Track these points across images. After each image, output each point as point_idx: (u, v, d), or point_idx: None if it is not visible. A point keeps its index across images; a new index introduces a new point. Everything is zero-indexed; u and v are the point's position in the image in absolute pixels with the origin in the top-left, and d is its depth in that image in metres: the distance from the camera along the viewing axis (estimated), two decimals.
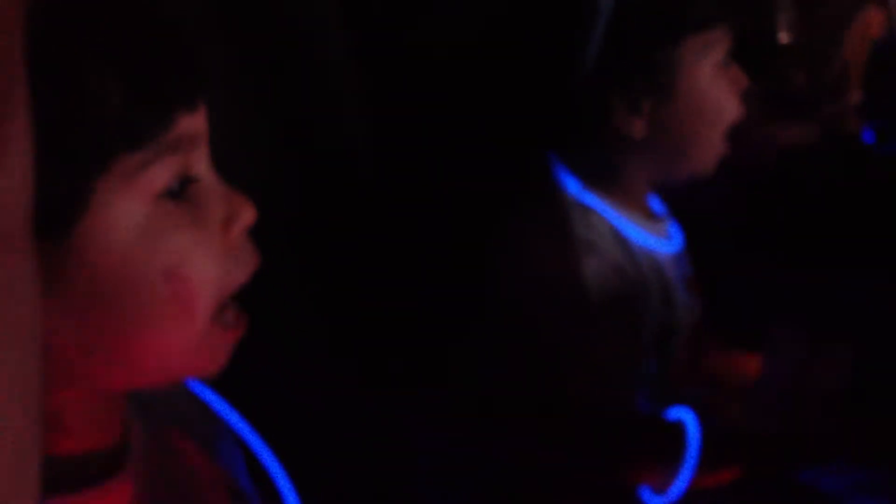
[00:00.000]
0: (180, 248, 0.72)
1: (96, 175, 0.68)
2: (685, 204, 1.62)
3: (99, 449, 0.76)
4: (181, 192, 0.72)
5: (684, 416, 1.42)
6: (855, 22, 1.69)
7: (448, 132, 1.57)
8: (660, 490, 1.41)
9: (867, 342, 1.54)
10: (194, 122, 0.73)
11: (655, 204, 1.60)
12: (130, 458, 0.78)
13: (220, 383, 0.86)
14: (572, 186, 1.50)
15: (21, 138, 0.49)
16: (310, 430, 1.31)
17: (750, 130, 1.56)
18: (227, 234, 0.75)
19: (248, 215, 0.76)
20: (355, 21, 1.54)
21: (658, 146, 1.48)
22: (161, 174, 0.71)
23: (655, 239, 1.55)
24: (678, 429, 1.41)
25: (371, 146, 1.58)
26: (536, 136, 1.52)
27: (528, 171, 1.52)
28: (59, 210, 0.67)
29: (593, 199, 1.50)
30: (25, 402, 0.51)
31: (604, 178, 1.50)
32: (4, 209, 0.49)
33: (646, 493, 1.43)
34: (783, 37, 1.66)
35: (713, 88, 1.47)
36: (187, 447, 0.84)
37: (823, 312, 1.62)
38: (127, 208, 0.70)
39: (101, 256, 0.69)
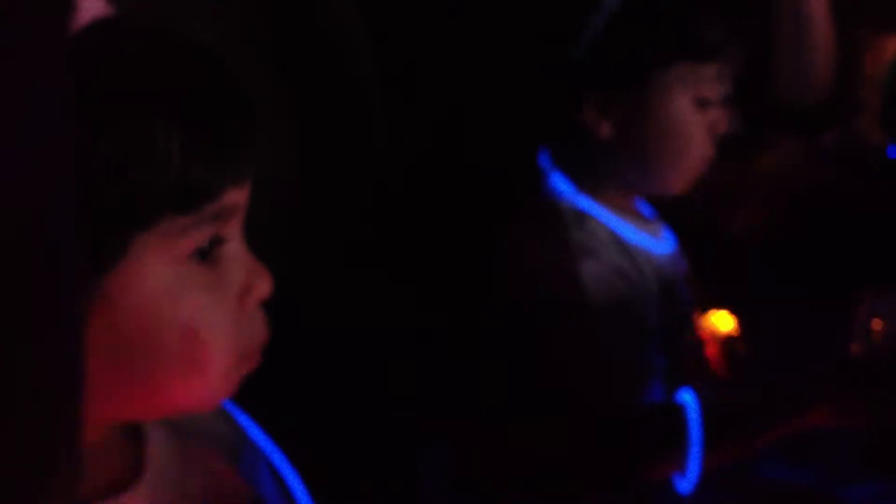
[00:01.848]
0: (201, 309, 0.74)
1: (139, 231, 0.71)
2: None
3: (105, 468, 0.77)
4: (209, 253, 0.74)
5: (686, 398, 1.41)
6: (875, 44, 1.70)
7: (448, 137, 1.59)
8: (678, 474, 1.41)
9: None
10: (239, 196, 0.75)
11: (645, 208, 1.60)
12: (147, 470, 0.79)
13: (241, 395, 0.87)
14: (566, 189, 1.51)
15: (68, 162, 0.51)
16: (325, 439, 1.32)
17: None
18: (243, 302, 0.76)
19: (265, 287, 0.78)
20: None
21: (626, 155, 1.49)
22: (198, 238, 0.73)
23: (650, 239, 1.56)
24: (681, 412, 1.40)
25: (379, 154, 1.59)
26: (529, 132, 1.54)
27: (522, 178, 1.54)
28: (97, 255, 0.70)
29: (588, 202, 1.51)
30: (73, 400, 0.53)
31: (593, 180, 1.51)
32: (55, 229, 0.51)
33: (675, 481, 1.43)
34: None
35: (685, 122, 1.47)
36: (210, 458, 0.84)
37: None
38: (159, 265, 0.72)
39: (126, 306, 0.71)
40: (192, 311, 0.73)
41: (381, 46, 1.49)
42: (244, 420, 0.89)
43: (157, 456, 0.80)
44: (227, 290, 0.75)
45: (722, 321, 1.64)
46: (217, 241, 0.75)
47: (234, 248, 0.76)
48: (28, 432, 0.50)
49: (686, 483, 1.41)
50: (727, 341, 1.62)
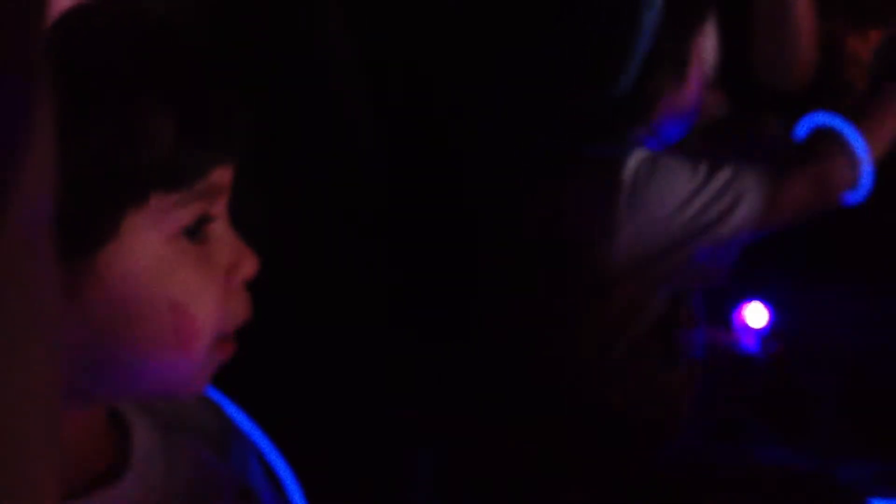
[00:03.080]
0: (188, 285, 0.75)
1: (130, 207, 0.72)
2: None
3: (92, 461, 0.78)
4: (197, 231, 0.76)
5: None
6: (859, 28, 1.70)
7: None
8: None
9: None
10: (226, 174, 0.77)
11: None
12: (134, 463, 0.79)
13: (229, 384, 0.88)
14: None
15: (46, 150, 0.51)
16: (318, 431, 1.32)
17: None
18: (229, 280, 0.78)
19: (250, 267, 0.79)
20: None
21: None
22: (186, 216, 0.74)
23: None
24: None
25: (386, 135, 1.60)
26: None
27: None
28: (89, 233, 0.71)
29: None
30: (46, 402, 0.53)
31: None
32: (28, 217, 0.51)
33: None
34: None
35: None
36: (197, 450, 0.85)
37: None
38: (149, 241, 0.73)
39: (117, 281, 0.73)
40: (181, 286, 0.75)
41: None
42: (233, 411, 0.90)
43: (143, 448, 0.81)
44: (215, 267, 0.77)
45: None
46: (205, 220, 0.76)
47: (221, 226, 0.78)
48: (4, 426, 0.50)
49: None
50: None
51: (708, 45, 1.55)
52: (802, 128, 1.59)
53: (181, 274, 0.75)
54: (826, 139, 1.55)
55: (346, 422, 1.41)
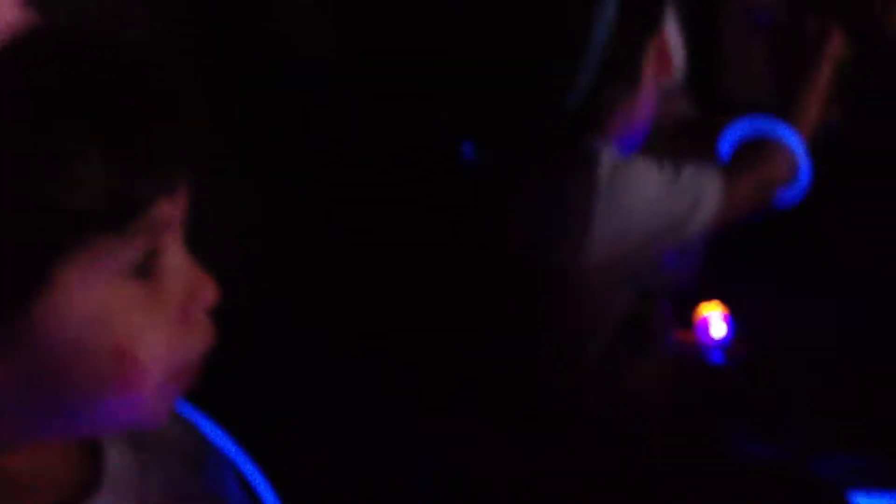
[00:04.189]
0: (133, 328, 0.70)
1: (61, 255, 0.66)
2: None
3: (63, 482, 0.76)
4: (144, 267, 0.70)
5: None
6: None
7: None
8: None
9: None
10: (173, 206, 0.71)
11: None
12: (105, 482, 0.77)
13: (203, 397, 0.86)
14: None
15: None
16: (294, 441, 1.30)
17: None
18: (185, 312, 0.73)
19: (208, 296, 0.74)
20: None
21: None
22: (127, 256, 0.69)
23: None
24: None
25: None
26: None
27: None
28: (17, 285, 0.66)
29: None
30: None
31: None
32: None
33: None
34: None
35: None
36: (170, 467, 0.83)
37: None
38: (87, 288, 0.68)
39: (55, 332, 0.67)
40: (126, 330, 0.69)
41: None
42: (208, 427, 0.88)
43: (115, 467, 0.78)
44: (165, 303, 0.72)
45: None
46: (152, 255, 0.71)
47: (173, 259, 0.72)
48: None
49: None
50: None
51: (668, 52, 1.56)
52: (738, 131, 1.65)
53: (125, 316, 0.69)
54: (766, 140, 1.62)
55: (327, 432, 1.39)
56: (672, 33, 1.57)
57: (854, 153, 1.72)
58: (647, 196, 1.52)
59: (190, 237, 0.76)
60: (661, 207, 1.52)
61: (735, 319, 1.75)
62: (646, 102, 1.56)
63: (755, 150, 1.63)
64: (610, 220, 1.49)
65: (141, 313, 0.70)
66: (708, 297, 1.75)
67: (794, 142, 1.61)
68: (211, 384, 0.79)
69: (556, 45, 1.49)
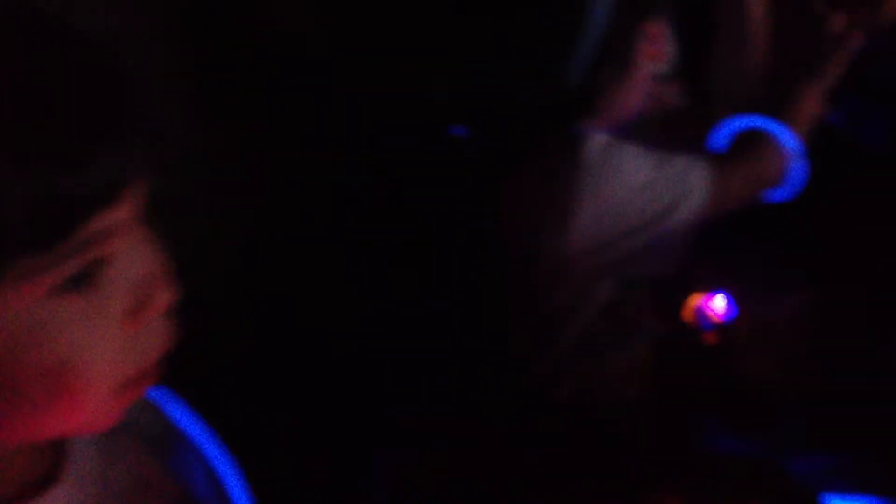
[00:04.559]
0: (74, 342, 0.66)
1: None
2: None
3: (24, 470, 0.74)
4: (87, 277, 0.66)
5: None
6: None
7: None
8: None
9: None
10: (114, 215, 0.66)
11: None
12: (67, 468, 0.76)
13: (175, 385, 0.85)
14: None
15: None
16: (275, 435, 1.30)
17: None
18: (133, 321, 0.69)
19: (161, 301, 0.70)
20: None
21: None
22: (64, 272, 0.64)
23: None
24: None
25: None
26: None
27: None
28: None
29: None
30: None
31: None
32: None
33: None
34: None
35: None
36: (134, 453, 0.82)
37: None
38: (20, 307, 0.64)
39: None
40: (63, 347, 0.66)
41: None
42: (176, 413, 0.87)
43: (77, 454, 0.78)
44: (109, 313, 0.68)
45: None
46: (96, 265, 0.67)
47: (120, 265, 0.68)
48: None
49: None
50: None
51: (661, 39, 1.55)
52: (732, 125, 1.64)
53: (65, 332, 0.66)
54: (758, 137, 1.61)
55: (299, 423, 1.39)
56: (665, 20, 1.57)
57: (852, 150, 1.71)
58: (633, 183, 1.51)
59: (185, 233, 0.73)
60: (646, 195, 1.51)
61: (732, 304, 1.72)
62: (637, 88, 1.55)
63: (748, 144, 1.61)
64: (594, 204, 1.49)
65: (83, 326, 0.67)
66: (692, 288, 1.74)
67: (787, 139, 1.60)
68: (188, 372, 0.78)
69: (552, 28, 1.48)
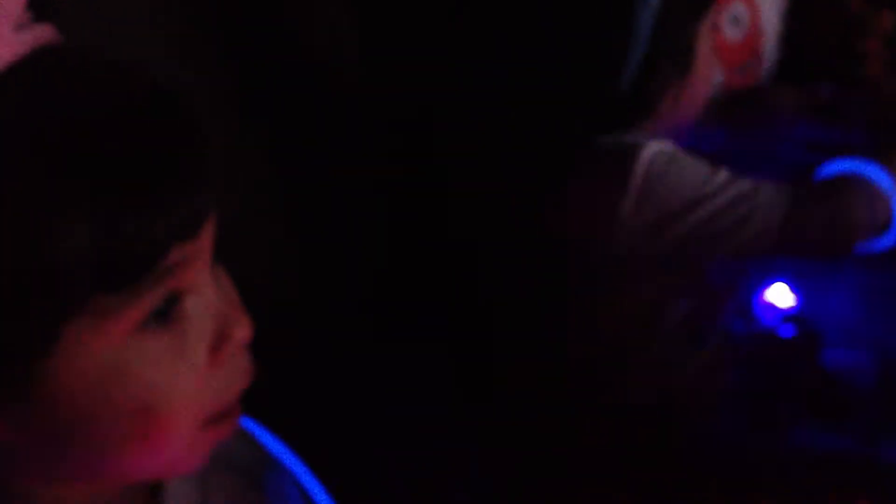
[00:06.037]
0: (155, 380, 0.66)
1: (66, 319, 0.62)
2: None
3: None
4: (165, 313, 0.66)
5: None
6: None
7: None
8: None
9: None
10: (191, 247, 0.66)
11: None
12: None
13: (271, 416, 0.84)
14: None
15: None
16: (358, 457, 1.29)
17: None
18: (217, 354, 0.68)
19: (241, 334, 0.69)
20: None
21: None
22: (142, 308, 0.64)
23: None
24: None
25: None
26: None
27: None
28: (23, 347, 0.62)
29: None
30: None
31: None
32: None
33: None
34: None
35: None
36: (232, 486, 0.82)
37: None
38: (100, 346, 0.64)
39: (70, 389, 0.64)
40: (146, 383, 0.65)
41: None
42: (269, 441, 0.86)
43: (173, 492, 0.77)
44: (191, 349, 0.67)
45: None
46: (173, 300, 0.66)
47: (198, 299, 0.68)
48: None
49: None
50: None
51: (727, 44, 1.51)
52: (826, 170, 1.51)
53: (145, 370, 0.65)
54: (850, 177, 1.48)
55: (383, 442, 1.38)
56: (768, 24, 1.53)
57: None
58: (686, 195, 1.44)
59: (223, 253, 0.72)
60: (701, 211, 1.44)
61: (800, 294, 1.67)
62: (697, 93, 1.51)
63: (836, 183, 1.49)
64: (646, 213, 1.45)
65: (163, 364, 0.66)
66: (768, 277, 1.69)
67: (884, 182, 1.47)
68: (264, 396, 0.77)
69: (606, 28, 1.46)
